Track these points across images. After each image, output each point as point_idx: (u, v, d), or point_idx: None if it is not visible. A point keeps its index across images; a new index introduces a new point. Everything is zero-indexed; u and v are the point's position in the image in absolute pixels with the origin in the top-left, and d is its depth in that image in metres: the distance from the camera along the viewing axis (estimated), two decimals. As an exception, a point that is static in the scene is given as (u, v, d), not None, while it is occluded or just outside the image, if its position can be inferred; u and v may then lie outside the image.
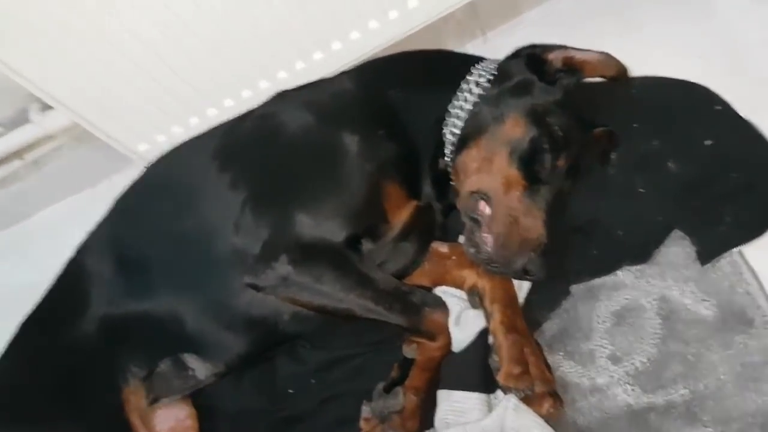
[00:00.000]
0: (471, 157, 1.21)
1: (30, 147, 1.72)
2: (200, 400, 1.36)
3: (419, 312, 1.18)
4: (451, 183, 1.27)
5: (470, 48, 1.61)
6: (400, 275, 1.26)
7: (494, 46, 1.55)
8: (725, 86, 1.32)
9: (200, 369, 1.31)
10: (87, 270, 1.34)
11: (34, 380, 1.27)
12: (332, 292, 1.15)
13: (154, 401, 1.31)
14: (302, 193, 1.20)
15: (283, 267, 1.15)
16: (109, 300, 1.30)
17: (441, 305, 1.20)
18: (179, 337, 1.28)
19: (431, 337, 1.18)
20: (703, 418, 1.10)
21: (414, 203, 1.25)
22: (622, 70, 1.24)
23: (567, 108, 1.21)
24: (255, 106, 1.37)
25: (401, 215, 1.23)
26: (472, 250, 1.17)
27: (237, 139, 1.33)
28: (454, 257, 1.27)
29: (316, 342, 1.35)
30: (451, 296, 1.24)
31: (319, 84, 1.37)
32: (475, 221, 1.17)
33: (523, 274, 1.14)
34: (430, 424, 1.19)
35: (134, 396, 1.30)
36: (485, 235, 1.15)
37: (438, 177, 1.27)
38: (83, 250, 1.36)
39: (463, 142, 1.22)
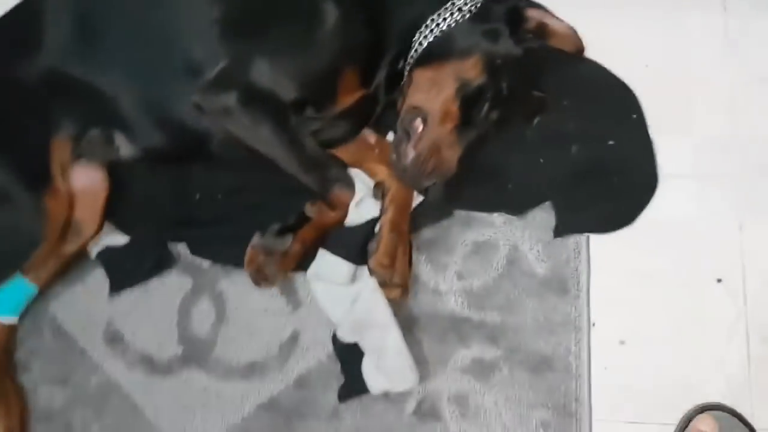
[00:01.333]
0: (426, 76, 1.33)
1: None
2: (117, 172, 1.49)
3: (331, 185, 1.35)
4: (401, 84, 1.39)
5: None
6: (327, 146, 1.42)
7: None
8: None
9: (125, 148, 1.43)
10: (45, 15, 1.38)
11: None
12: (264, 140, 1.29)
13: (76, 158, 1.44)
14: (270, 41, 1.29)
15: (230, 100, 1.25)
16: (59, 55, 1.37)
17: (350, 185, 1.38)
18: (114, 114, 1.38)
19: (332, 207, 1.37)
20: (499, 342, 1.42)
21: (363, 91, 1.38)
22: (579, 47, 1.41)
23: (521, 68, 1.35)
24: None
25: (348, 98, 1.36)
26: (393, 157, 1.33)
27: None
28: (377, 150, 1.44)
29: (234, 167, 1.49)
30: (361, 181, 1.43)
31: None
32: (407, 134, 1.32)
33: (423, 193, 1.35)
34: (302, 270, 1.42)
35: (60, 148, 1.40)
36: (410, 149, 1.31)
37: (393, 74, 1.39)
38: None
39: (426, 57, 1.34)
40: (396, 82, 1.40)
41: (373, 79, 1.39)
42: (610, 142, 1.49)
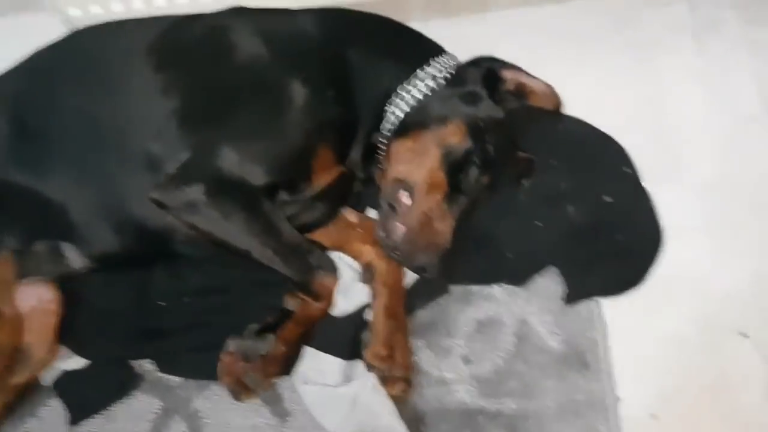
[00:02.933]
0: (406, 146, 1.27)
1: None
2: (69, 286, 1.35)
3: (312, 272, 1.25)
4: (376, 157, 1.32)
5: (433, 25, 1.63)
6: (305, 230, 1.32)
7: (460, 31, 1.59)
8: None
9: (76, 260, 1.31)
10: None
11: None
12: (236, 232, 1.20)
13: (21, 276, 1.30)
14: (236, 127, 1.21)
15: (195, 194, 1.17)
16: (-4, 160, 1.25)
17: (333, 271, 1.28)
18: (61, 223, 1.27)
19: (316, 298, 1.26)
20: (520, 432, 1.28)
21: (339, 169, 1.30)
22: (558, 104, 1.35)
23: (504, 129, 1.29)
24: (206, 12, 1.33)
25: (324, 177, 1.29)
26: (382, 234, 1.24)
27: (181, 42, 1.30)
28: (360, 229, 1.35)
29: (201, 265, 1.38)
30: (345, 264, 1.33)
31: (280, 15, 1.36)
32: (393, 208, 1.24)
33: (419, 270, 1.25)
34: (288, 374, 1.28)
35: (1, 266, 1.27)
36: (398, 225, 1.23)
37: (368, 148, 1.32)
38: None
39: (404, 128, 1.28)
40: (373, 157, 1.33)
41: (348, 156, 1.32)
42: (607, 199, 1.42)
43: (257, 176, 1.20)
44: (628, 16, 1.69)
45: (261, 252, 1.21)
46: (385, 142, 1.30)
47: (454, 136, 1.24)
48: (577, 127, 1.47)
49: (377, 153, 1.32)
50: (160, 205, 1.19)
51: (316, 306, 1.27)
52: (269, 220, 1.21)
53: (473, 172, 1.23)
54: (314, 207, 1.32)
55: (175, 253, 1.31)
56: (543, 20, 1.70)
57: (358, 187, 1.37)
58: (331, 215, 1.36)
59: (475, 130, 1.25)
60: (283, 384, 1.33)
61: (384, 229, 1.24)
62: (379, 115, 1.30)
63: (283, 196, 1.26)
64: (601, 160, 1.46)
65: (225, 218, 1.18)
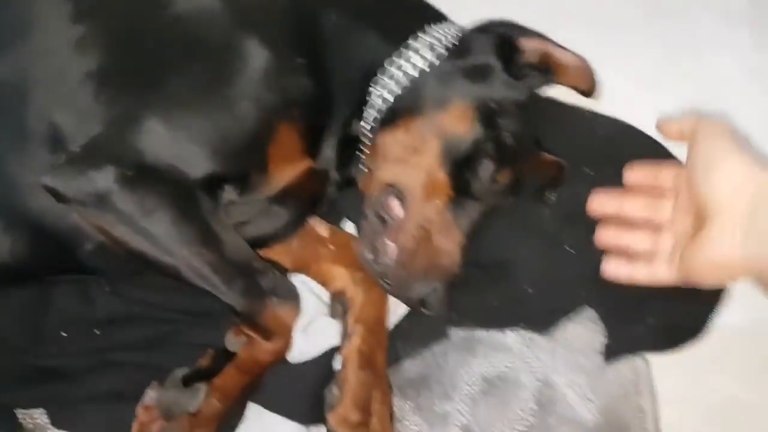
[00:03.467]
0: (396, 139, 0.97)
1: None
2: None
3: (264, 300, 0.94)
4: (358, 154, 1.03)
5: None
6: (258, 245, 1.02)
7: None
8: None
9: None
10: None
11: None
12: (161, 239, 0.89)
13: None
14: (168, 95, 0.92)
15: (104, 181, 0.87)
16: None
17: (292, 301, 0.97)
18: None
19: (267, 336, 0.95)
20: None
21: (307, 162, 1.01)
22: (592, 85, 1.04)
23: (526, 114, 1.00)
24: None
25: (286, 171, 0.99)
26: (368, 256, 0.95)
27: None
28: (331, 246, 1.06)
29: (117, 286, 1.06)
30: (310, 291, 1.02)
31: None
32: (382, 220, 0.95)
33: (417, 305, 0.94)
34: None
35: None
36: (389, 242, 0.94)
37: (346, 141, 1.03)
38: None
39: (392, 115, 0.99)
40: (351, 153, 1.04)
41: (319, 149, 1.03)
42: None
43: (194, 163, 0.90)
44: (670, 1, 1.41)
45: (194, 269, 0.90)
46: (370, 134, 1.00)
47: (457, 122, 0.95)
48: (617, 128, 1.16)
49: (359, 149, 1.03)
50: (57, 195, 0.89)
51: (266, 347, 0.95)
52: (207, 225, 0.91)
53: (486, 168, 0.95)
54: (272, 213, 1.01)
55: (84, 268, 1.00)
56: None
57: (332, 191, 1.07)
58: (294, 226, 1.05)
59: (486, 114, 0.96)
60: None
61: (370, 248, 0.95)
62: (362, 99, 1.01)
63: (230, 194, 0.95)
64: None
65: (145, 217, 0.88)
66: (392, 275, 0.93)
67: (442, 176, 0.94)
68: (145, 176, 0.88)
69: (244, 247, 0.95)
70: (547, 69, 1.01)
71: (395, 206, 0.95)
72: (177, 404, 0.92)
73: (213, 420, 0.93)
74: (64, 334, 1.04)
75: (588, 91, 1.04)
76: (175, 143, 0.89)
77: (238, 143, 0.92)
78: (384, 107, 0.99)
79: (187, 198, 0.90)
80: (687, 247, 0.86)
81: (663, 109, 1.25)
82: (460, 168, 0.94)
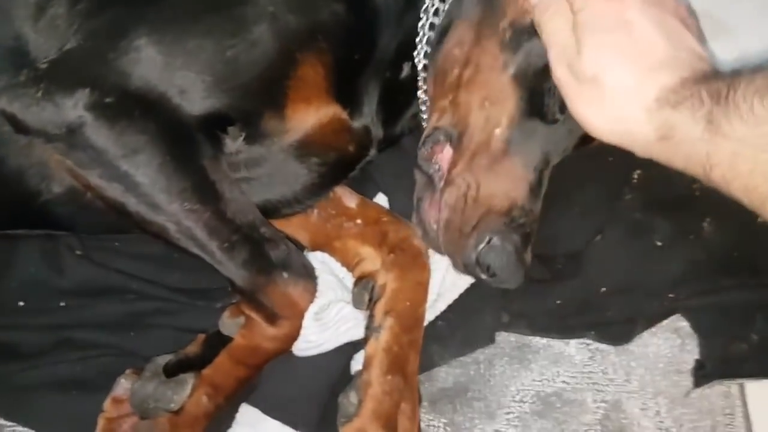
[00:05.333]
0: (445, 57, 0.80)
1: None
2: None
3: (270, 275, 0.77)
4: (417, 104, 0.86)
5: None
6: (268, 213, 0.85)
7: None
8: None
9: None
10: None
11: None
12: (144, 189, 0.73)
13: None
14: (166, 8, 0.76)
15: (75, 108, 0.72)
16: None
17: (308, 279, 0.80)
18: None
19: (271, 318, 0.78)
20: None
21: (336, 109, 0.83)
22: None
23: None
24: None
25: (308, 117, 0.81)
26: (419, 230, 0.80)
27: None
28: (359, 221, 0.89)
29: (91, 250, 0.90)
30: (329, 273, 0.85)
31: None
32: (429, 179, 0.78)
33: (477, 270, 0.74)
34: None
35: None
36: (435, 202, 0.77)
37: (393, 90, 0.86)
38: None
39: (441, 35, 0.82)
40: (402, 104, 0.88)
41: (357, 100, 0.85)
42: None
43: (192, 96, 0.74)
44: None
45: (185, 230, 0.74)
46: (424, 73, 0.83)
47: (525, 17, 0.74)
48: None
49: (409, 95, 0.86)
50: (15, 123, 0.73)
51: (269, 332, 0.79)
52: (205, 175, 0.75)
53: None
54: (287, 171, 0.84)
55: (51, 219, 0.84)
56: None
57: (372, 152, 0.90)
58: (315, 192, 0.88)
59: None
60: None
61: (419, 218, 0.79)
62: (411, 32, 0.84)
63: (236, 141, 0.79)
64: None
65: (125, 158, 0.72)
66: (442, 244, 0.76)
67: (507, 91, 0.74)
68: (128, 106, 0.72)
69: (251, 207, 0.79)
70: None
71: (442, 153, 0.77)
72: (156, 399, 0.78)
73: (200, 421, 0.78)
74: (22, 304, 0.89)
75: None
76: (169, 69, 0.74)
77: (249, 75, 0.76)
78: (433, 36, 0.82)
79: (180, 138, 0.74)
80: None
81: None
82: (530, 81, 0.74)
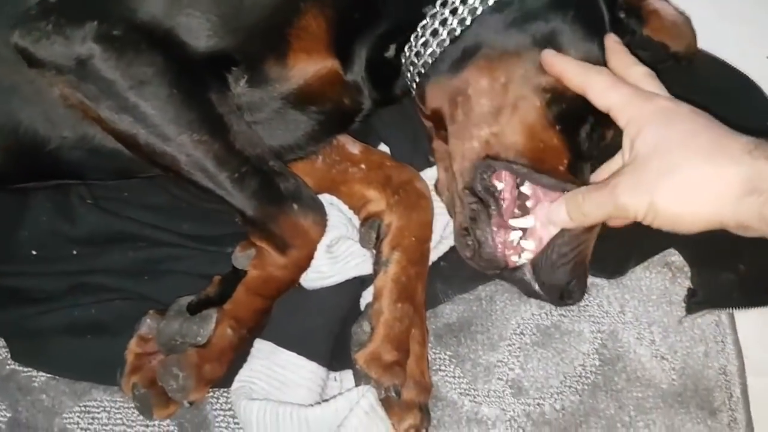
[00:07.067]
0: (482, 87, 0.81)
1: None
2: None
3: (281, 205, 0.80)
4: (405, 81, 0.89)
5: None
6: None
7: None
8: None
9: None
10: None
11: None
12: (154, 119, 0.76)
13: None
14: None
15: (84, 40, 0.74)
16: None
17: (318, 211, 0.83)
18: None
19: (282, 248, 0.81)
20: None
21: (334, 63, 0.86)
22: (691, 45, 0.90)
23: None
24: None
25: (308, 67, 0.84)
26: (467, 253, 0.82)
27: None
28: (363, 165, 0.92)
29: (104, 197, 0.93)
30: (338, 212, 0.88)
31: None
32: (483, 204, 0.80)
33: (556, 296, 0.81)
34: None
35: None
36: (498, 229, 0.80)
37: (377, 62, 0.88)
38: None
39: (469, 53, 0.83)
40: (383, 77, 0.90)
41: (350, 58, 0.88)
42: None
43: (198, 34, 0.77)
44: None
45: (195, 162, 0.77)
46: (422, 69, 0.85)
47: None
48: (720, 70, 1.04)
49: (390, 74, 0.89)
50: (28, 57, 0.76)
51: (280, 261, 0.82)
52: (212, 107, 0.78)
53: (590, 122, 0.81)
54: (288, 118, 0.87)
55: (62, 169, 0.86)
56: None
57: (367, 105, 0.91)
58: (315, 139, 0.91)
59: None
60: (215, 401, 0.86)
61: (469, 238, 0.81)
62: (406, 23, 0.85)
63: (240, 84, 0.82)
64: (748, 114, 0.98)
65: (134, 89, 0.75)
66: (540, 278, 0.80)
67: (552, 136, 0.79)
68: (136, 39, 0.75)
69: (259, 140, 0.82)
70: (638, 14, 0.86)
71: (506, 184, 0.80)
72: (183, 334, 0.80)
73: (226, 353, 0.80)
74: (35, 253, 0.91)
75: (681, 55, 0.89)
76: (176, 6, 0.76)
77: (254, 18, 0.79)
78: (438, 50, 0.83)
79: (187, 72, 0.77)
80: None
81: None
82: (568, 123, 0.80)
